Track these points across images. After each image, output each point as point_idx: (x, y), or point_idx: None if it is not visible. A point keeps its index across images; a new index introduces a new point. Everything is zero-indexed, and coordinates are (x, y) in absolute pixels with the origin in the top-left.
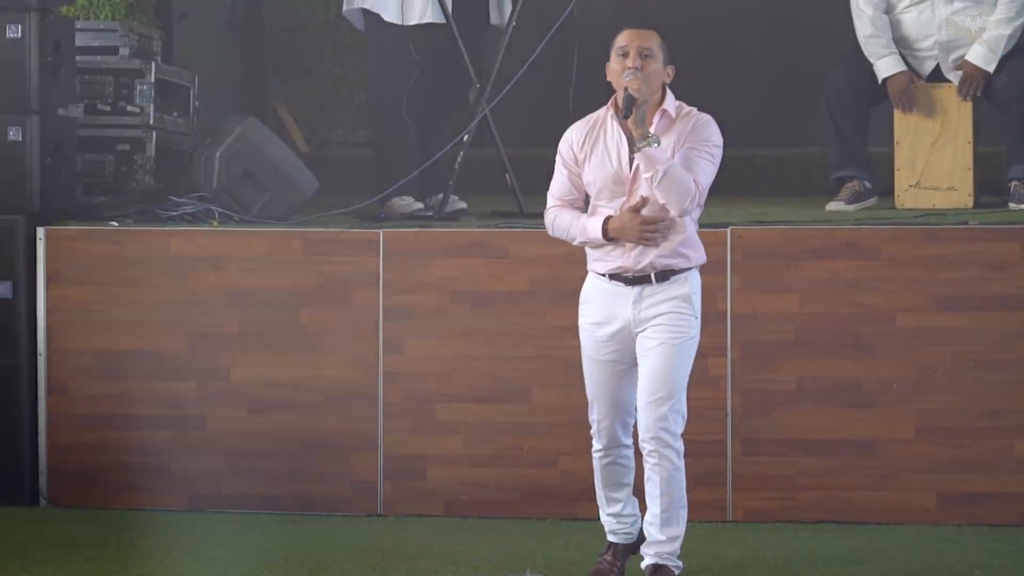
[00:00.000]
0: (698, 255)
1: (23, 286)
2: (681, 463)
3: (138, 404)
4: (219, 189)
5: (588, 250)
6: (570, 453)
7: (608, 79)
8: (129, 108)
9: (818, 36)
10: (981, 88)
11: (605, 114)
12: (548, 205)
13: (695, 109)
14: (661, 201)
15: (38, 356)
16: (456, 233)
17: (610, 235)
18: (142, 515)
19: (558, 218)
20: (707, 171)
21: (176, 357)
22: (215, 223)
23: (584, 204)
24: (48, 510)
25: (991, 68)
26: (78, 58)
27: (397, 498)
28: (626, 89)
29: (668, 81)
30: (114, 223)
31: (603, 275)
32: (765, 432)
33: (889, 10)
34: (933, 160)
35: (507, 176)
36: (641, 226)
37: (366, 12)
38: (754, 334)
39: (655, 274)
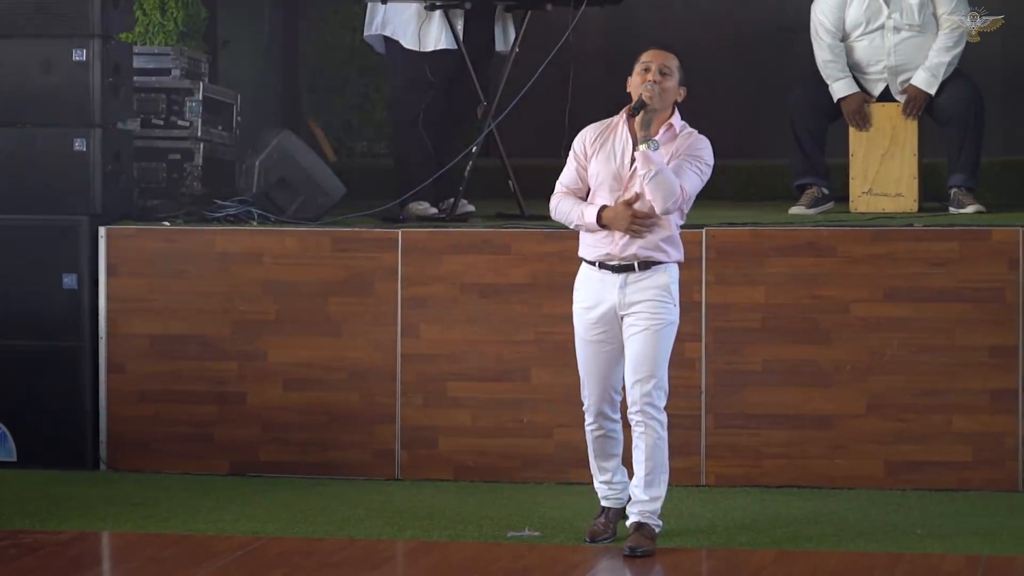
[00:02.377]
0: (677, 253)
1: (87, 278)
2: (665, 433)
3: (186, 381)
4: (258, 193)
5: (581, 236)
6: (564, 425)
7: (628, 90)
8: (180, 122)
9: (783, 62)
10: (924, 107)
11: (619, 120)
12: (555, 191)
13: (696, 131)
14: (648, 198)
15: (99, 339)
16: (465, 232)
17: (603, 222)
18: (189, 478)
19: (561, 203)
20: (693, 181)
21: (220, 340)
22: (254, 223)
23: (586, 195)
24: (107, 474)
25: (933, 91)
26: (135, 78)
27: (412, 464)
28: (640, 95)
29: (680, 100)
30: (166, 223)
31: (592, 263)
32: (735, 408)
33: (844, 38)
34: (883, 170)
35: (510, 183)
36: (631, 218)
37: (387, 38)
38: (725, 322)
39: (638, 263)
